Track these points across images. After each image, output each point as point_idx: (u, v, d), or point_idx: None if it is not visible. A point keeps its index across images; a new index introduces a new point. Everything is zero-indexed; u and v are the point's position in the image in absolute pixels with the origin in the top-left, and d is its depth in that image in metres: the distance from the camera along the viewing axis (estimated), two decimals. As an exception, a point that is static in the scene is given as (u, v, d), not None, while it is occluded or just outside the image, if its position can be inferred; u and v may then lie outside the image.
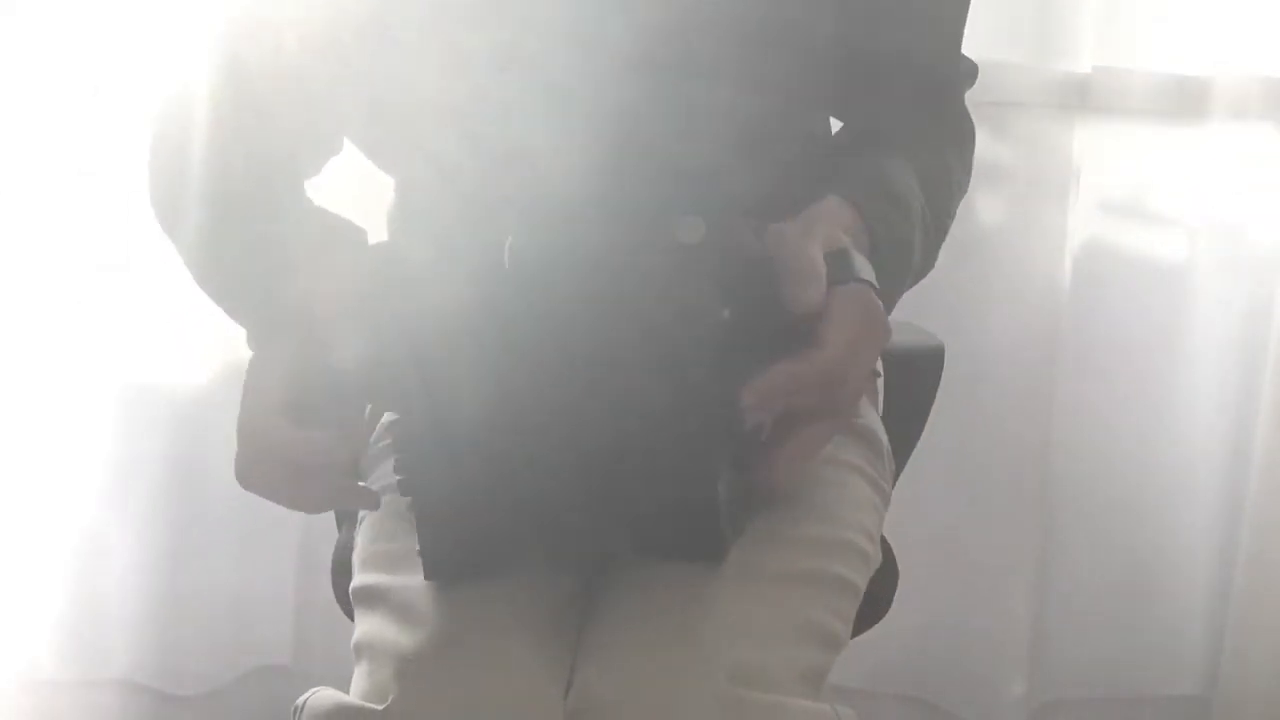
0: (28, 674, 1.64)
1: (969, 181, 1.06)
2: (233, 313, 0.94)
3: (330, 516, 1.12)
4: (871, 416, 1.04)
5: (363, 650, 0.84)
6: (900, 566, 1.09)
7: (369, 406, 0.90)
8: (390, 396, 0.79)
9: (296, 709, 0.80)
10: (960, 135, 1.06)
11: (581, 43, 0.90)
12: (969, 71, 1.06)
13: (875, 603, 0.97)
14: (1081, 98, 1.60)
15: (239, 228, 0.90)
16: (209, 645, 1.65)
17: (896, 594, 1.10)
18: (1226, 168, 1.65)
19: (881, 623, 1.08)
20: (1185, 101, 1.64)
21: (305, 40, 0.93)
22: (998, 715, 1.73)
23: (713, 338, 0.75)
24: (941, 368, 1.18)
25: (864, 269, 0.84)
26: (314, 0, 0.94)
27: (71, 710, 1.66)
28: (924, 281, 0.99)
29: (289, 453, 0.83)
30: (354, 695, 0.82)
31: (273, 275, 0.87)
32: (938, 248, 1.01)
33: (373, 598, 0.87)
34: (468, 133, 0.93)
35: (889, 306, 0.92)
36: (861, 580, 0.91)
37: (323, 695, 0.81)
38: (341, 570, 1.02)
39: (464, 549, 0.82)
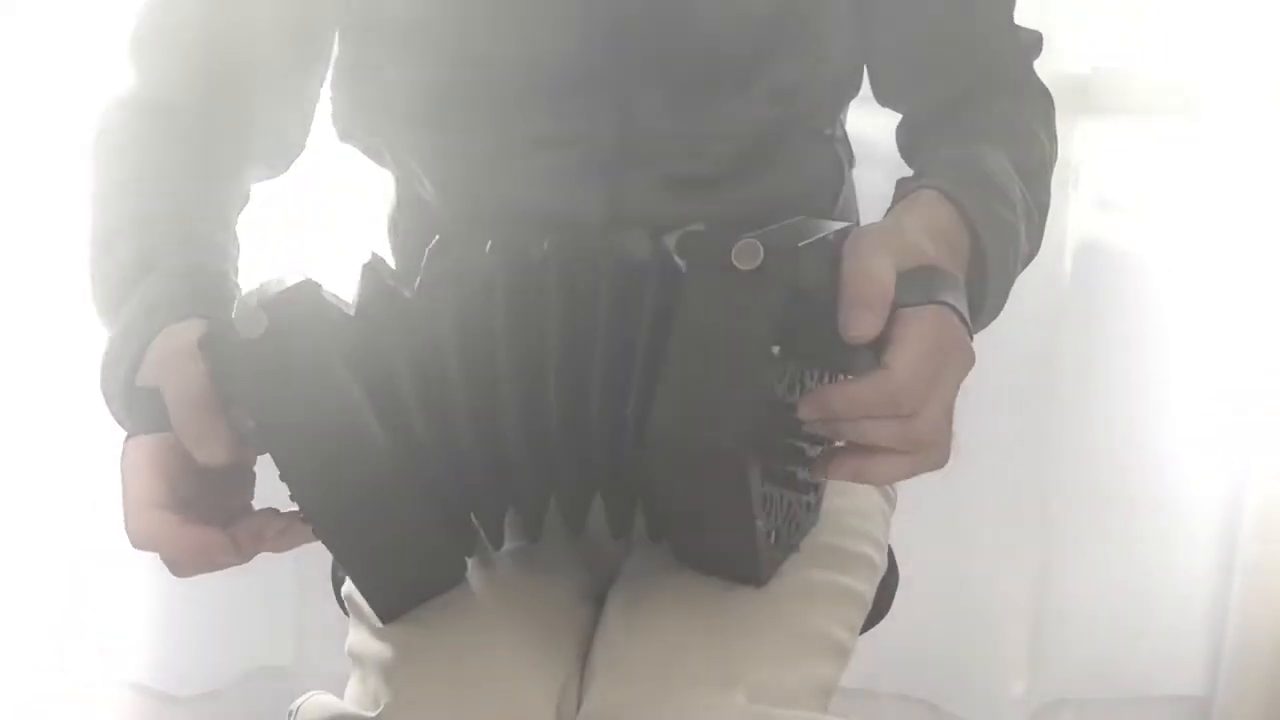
0: (28, 674, 1.64)
1: (1058, 150, 1.00)
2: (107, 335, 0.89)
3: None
4: None
5: (354, 658, 0.85)
6: (900, 567, 1.09)
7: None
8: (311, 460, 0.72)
9: (291, 713, 0.80)
10: (1040, 106, 1.02)
11: (527, 69, 0.90)
12: (1032, 41, 1.03)
13: (876, 604, 0.98)
14: (1081, 98, 1.60)
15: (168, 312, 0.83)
16: (209, 645, 1.65)
17: (897, 594, 1.10)
18: (1226, 168, 1.65)
19: (881, 623, 1.08)
20: (1185, 101, 1.64)
21: (277, 39, 0.93)
22: (998, 715, 1.73)
23: (764, 375, 0.68)
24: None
25: (945, 288, 0.74)
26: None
27: (71, 710, 1.66)
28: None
29: (179, 547, 0.79)
30: (348, 701, 0.82)
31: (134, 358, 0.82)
32: (1042, 229, 0.95)
33: (360, 606, 0.87)
34: (470, 135, 0.93)
35: (1000, 298, 0.88)
36: (870, 591, 0.92)
37: (316, 701, 0.81)
38: (340, 570, 1.02)
39: (406, 592, 0.81)
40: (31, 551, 1.61)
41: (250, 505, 0.79)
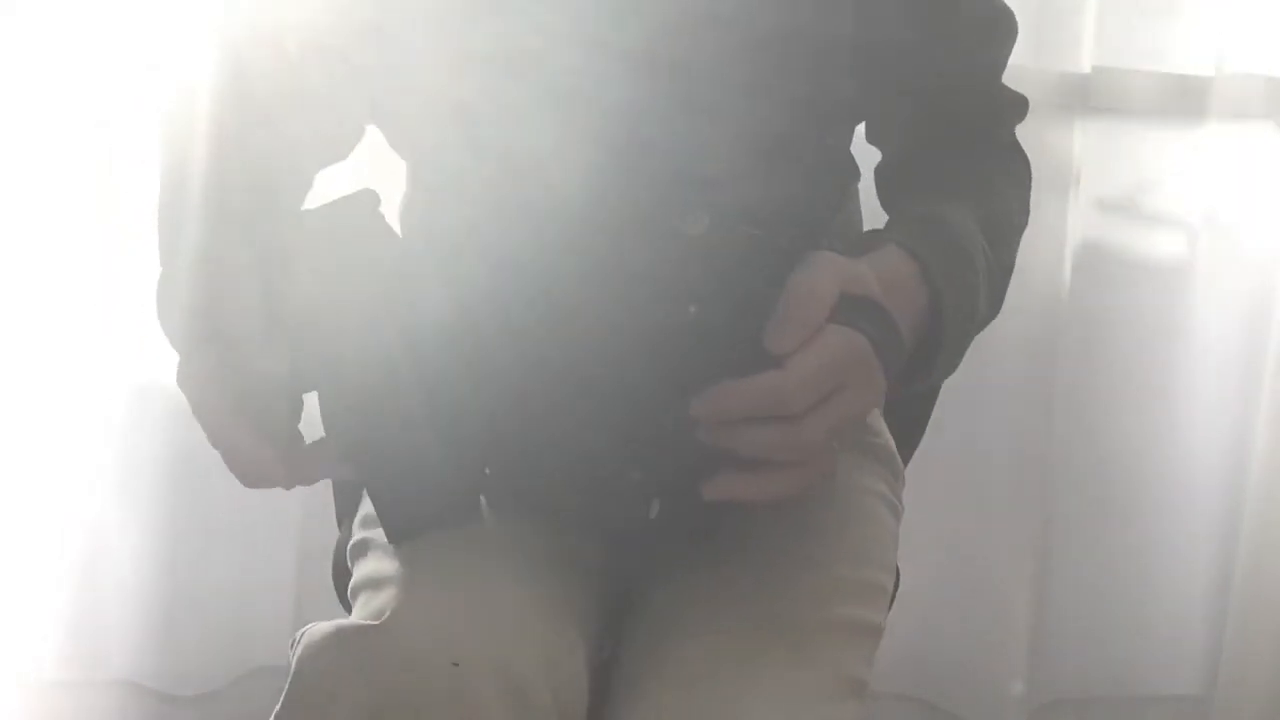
0: (28, 674, 1.64)
1: (1028, 218, 1.02)
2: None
3: (331, 515, 1.12)
4: (887, 435, 1.04)
5: (359, 589, 0.85)
6: (901, 567, 1.09)
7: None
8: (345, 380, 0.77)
9: (294, 641, 0.80)
10: (1017, 170, 1.03)
11: (588, 44, 0.90)
12: (1018, 104, 1.03)
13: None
14: (1081, 98, 1.60)
15: (229, 239, 0.88)
16: (209, 645, 1.65)
17: (897, 593, 1.10)
18: (1226, 168, 1.65)
19: (882, 623, 1.08)
20: (1185, 101, 1.64)
21: (307, 44, 0.93)
22: (998, 715, 1.73)
23: (675, 329, 0.74)
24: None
25: (872, 321, 0.78)
26: (315, 3, 0.94)
27: (71, 710, 1.66)
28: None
29: (242, 456, 0.79)
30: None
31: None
32: (1003, 293, 0.97)
33: (367, 546, 0.89)
34: (471, 135, 0.93)
35: (954, 358, 0.91)
36: (884, 621, 0.92)
37: (319, 625, 0.81)
38: (341, 570, 1.02)
39: (418, 509, 0.83)
40: (31, 551, 1.61)
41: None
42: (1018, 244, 0.99)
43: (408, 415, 0.77)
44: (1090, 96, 1.60)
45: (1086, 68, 1.59)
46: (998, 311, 0.98)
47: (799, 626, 0.84)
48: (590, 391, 0.77)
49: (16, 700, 1.65)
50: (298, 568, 1.64)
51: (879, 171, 1.05)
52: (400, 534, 0.83)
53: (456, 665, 0.75)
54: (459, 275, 0.83)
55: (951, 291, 0.87)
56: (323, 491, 1.07)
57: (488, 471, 0.87)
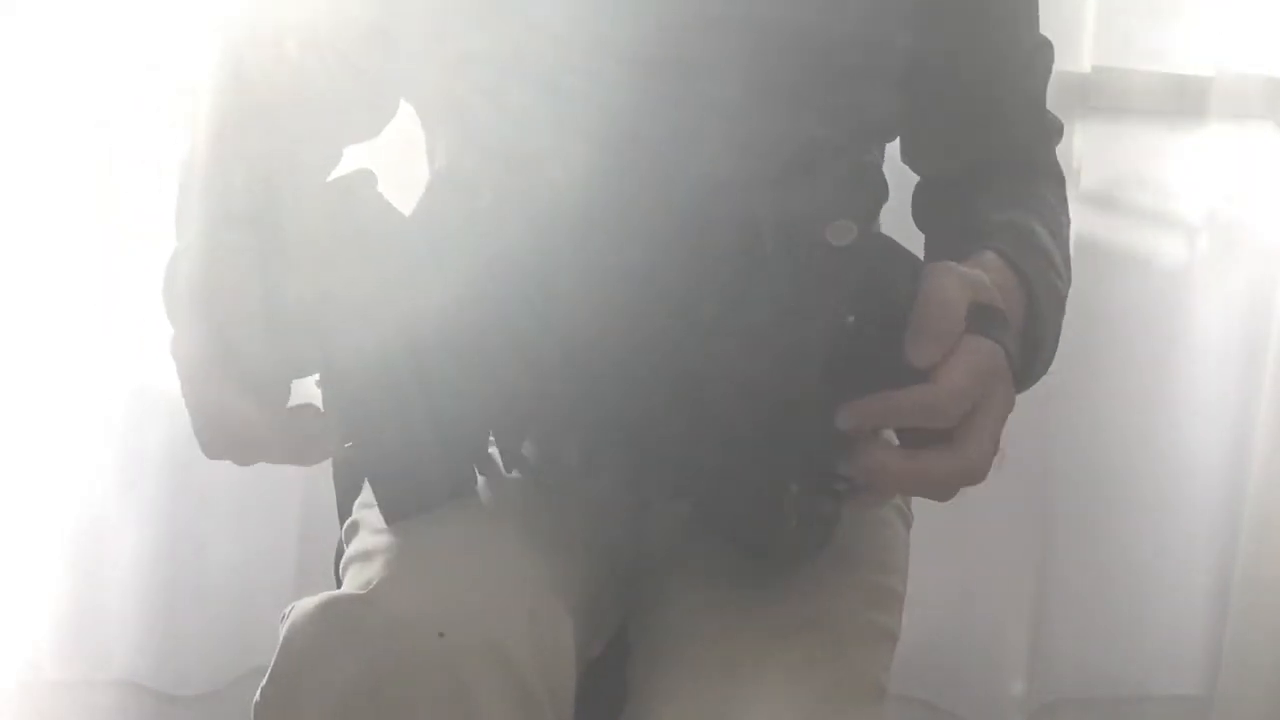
0: (28, 674, 1.64)
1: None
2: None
3: (331, 515, 1.12)
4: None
5: (349, 563, 0.86)
6: (901, 567, 1.09)
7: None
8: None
9: (284, 616, 0.80)
10: (1060, 191, 1.05)
11: (585, 43, 0.90)
12: (1057, 127, 1.06)
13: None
14: (1081, 98, 1.60)
15: (231, 215, 0.88)
16: (209, 645, 1.65)
17: (898, 596, 1.10)
18: (1226, 167, 1.65)
19: (882, 623, 1.08)
20: (1185, 101, 1.64)
21: (309, 47, 0.93)
22: (998, 715, 1.73)
23: (834, 338, 0.73)
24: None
25: (1003, 329, 0.79)
26: (317, 6, 0.94)
27: (71, 710, 1.66)
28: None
29: (247, 426, 0.80)
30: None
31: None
32: (1065, 301, 0.98)
33: (359, 525, 0.89)
34: (471, 136, 0.93)
35: (1047, 362, 0.92)
36: (899, 628, 0.93)
37: (308, 598, 0.81)
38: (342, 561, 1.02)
39: (414, 489, 0.83)
40: (31, 551, 1.61)
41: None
42: (1071, 259, 1.00)
43: (406, 394, 0.78)
44: (1090, 96, 1.60)
45: (1086, 68, 1.59)
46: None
47: (813, 630, 0.84)
48: (739, 409, 0.76)
49: (16, 700, 1.65)
50: (298, 568, 1.63)
51: (920, 188, 1.06)
52: (395, 513, 0.83)
53: (442, 635, 0.75)
54: (464, 270, 0.83)
55: (1046, 296, 0.88)
56: (323, 491, 1.07)
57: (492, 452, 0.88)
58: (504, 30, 0.90)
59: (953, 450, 0.76)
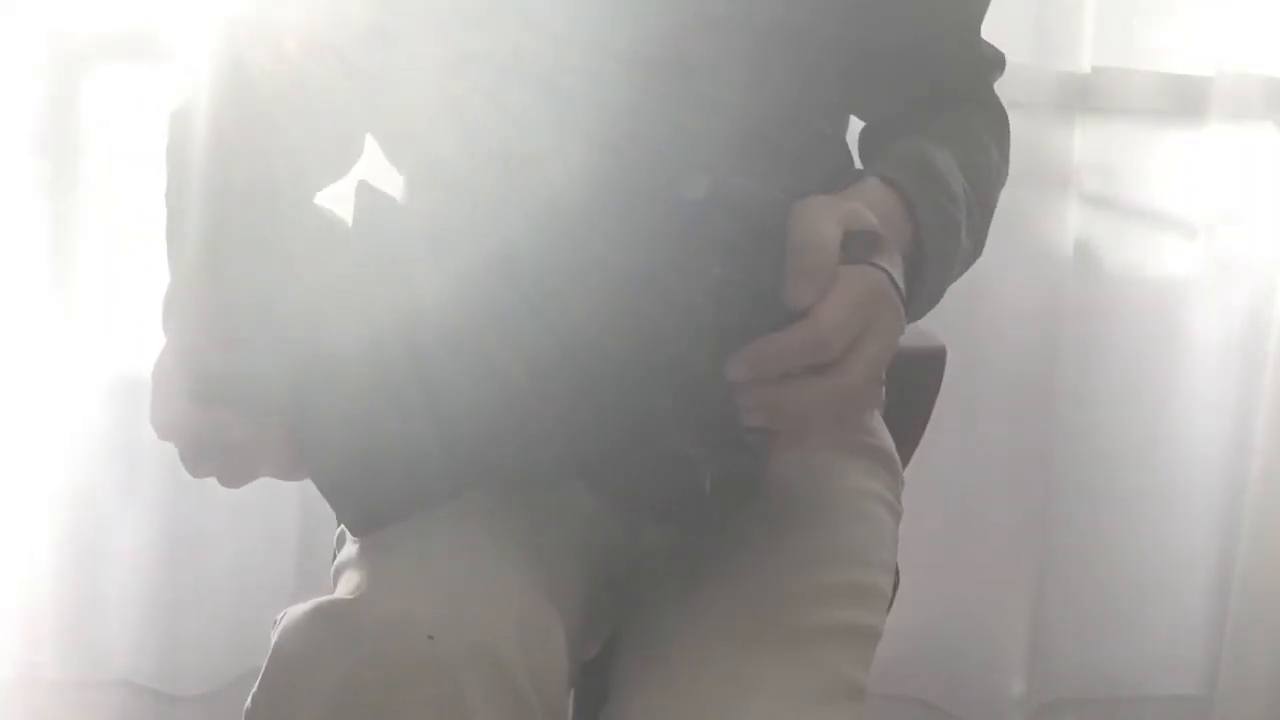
0: (28, 674, 1.64)
1: (1008, 171, 1.03)
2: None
3: (331, 515, 1.12)
4: (886, 435, 1.04)
5: (340, 570, 0.85)
6: (900, 567, 1.09)
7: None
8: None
9: (275, 622, 0.80)
10: (993, 122, 1.04)
11: (585, 43, 0.91)
12: (994, 59, 1.04)
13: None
14: (1081, 98, 1.60)
15: (232, 240, 0.88)
16: (209, 645, 1.65)
17: (896, 594, 1.10)
18: (1226, 168, 1.65)
19: (882, 623, 1.08)
20: (1185, 101, 1.64)
21: (307, 46, 0.93)
22: (998, 715, 1.73)
23: (702, 294, 0.74)
24: (943, 369, 1.18)
25: (881, 253, 0.80)
26: (315, 5, 0.94)
27: (71, 710, 1.66)
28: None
29: (195, 432, 0.80)
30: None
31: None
32: (984, 233, 0.98)
33: (347, 532, 0.89)
34: (471, 136, 0.93)
35: (939, 290, 0.92)
36: (883, 624, 0.92)
37: (299, 604, 0.81)
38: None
39: (376, 503, 0.83)
40: (31, 551, 1.61)
41: None
42: (998, 191, 1.01)
43: (405, 395, 0.78)
44: (1090, 96, 1.60)
45: (1086, 68, 1.59)
46: (980, 251, 0.99)
47: (791, 632, 0.84)
48: (628, 374, 0.77)
49: (16, 700, 1.65)
50: (298, 568, 1.63)
51: (862, 136, 1.06)
52: (362, 528, 0.83)
53: (432, 638, 0.75)
54: (463, 269, 0.83)
55: (931, 218, 0.88)
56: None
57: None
58: (504, 30, 0.90)
59: (833, 373, 0.76)
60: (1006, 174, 1.03)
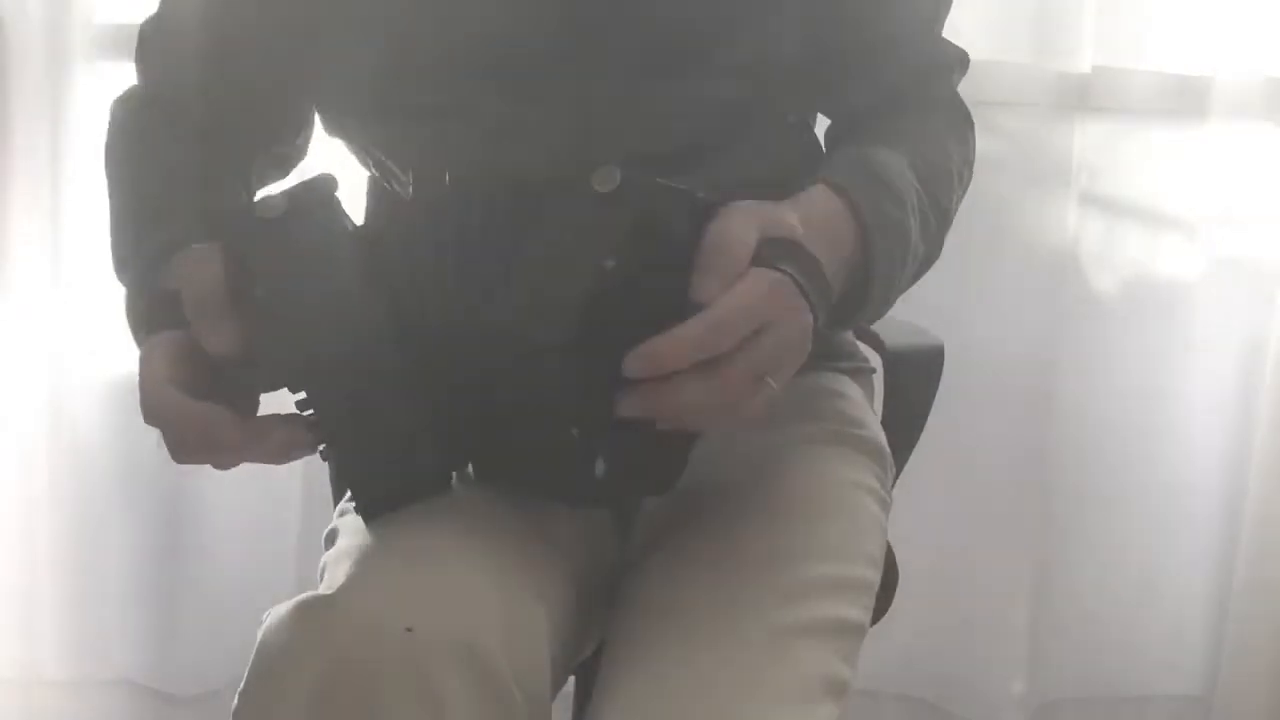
0: (28, 674, 1.64)
1: (971, 172, 1.03)
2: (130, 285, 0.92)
3: (331, 515, 1.12)
4: (874, 426, 1.04)
5: (325, 568, 0.86)
6: (900, 567, 1.09)
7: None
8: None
9: (261, 621, 0.80)
10: (955, 123, 1.03)
11: (544, 33, 0.92)
12: (957, 58, 1.04)
13: (876, 604, 0.97)
14: (1081, 98, 1.60)
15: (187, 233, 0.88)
16: (208, 645, 1.65)
17: (896, 594, 1.09)
18: (1226, 168, 1.65)
19: (881, 623, 1.08)
20: (1185, 101, 1.64)
21: (246, 30, 0.96)
22: (998, 715, 1.73)
23: (595, 284, 0.75)
24: (941, 368, 1.18)
25: (793, 261, 0.79)
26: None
27: (71, 710, 1.67)
28: (922, 280, 0.99)
29: (182, 426, 0.81)
30: None
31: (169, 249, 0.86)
32: (941, 236, 0.97)
33: (336, 531, 0.90)
34: (426, 107, 0.94)
35: (887, 293, 0.91)
36: (868, 617, 0.92)
37: (283, 603, 0.81)
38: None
39: (388, 483, 0.84)
40: (31, 551, 1.61)
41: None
42: (958, 193, 1.00)
43: (380, 393, 0.79)
44: (1090, 96, 1.60)
45: (1086, 68, 1.59)
46: (938, 255, 0.97)
47: (770, 629, 0.83)
48: (527, 358, 0.78)
49: (16, 700, 1.65)
50: (298, 568, 1.64)
51: (826, 135, 1.06)
52: (372, 511, 0.84)
53: (410, 631, 0.76)
54: (405, 256, 0.85)
55: (879, 225, 0.87)
56: (323, 491, 1.07)
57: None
58: (396, 37, 0.92)
59: (707, 373, 0.76)
60: (969, 176, 1.02)
